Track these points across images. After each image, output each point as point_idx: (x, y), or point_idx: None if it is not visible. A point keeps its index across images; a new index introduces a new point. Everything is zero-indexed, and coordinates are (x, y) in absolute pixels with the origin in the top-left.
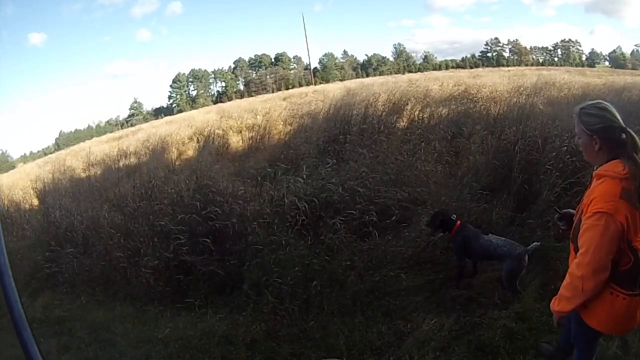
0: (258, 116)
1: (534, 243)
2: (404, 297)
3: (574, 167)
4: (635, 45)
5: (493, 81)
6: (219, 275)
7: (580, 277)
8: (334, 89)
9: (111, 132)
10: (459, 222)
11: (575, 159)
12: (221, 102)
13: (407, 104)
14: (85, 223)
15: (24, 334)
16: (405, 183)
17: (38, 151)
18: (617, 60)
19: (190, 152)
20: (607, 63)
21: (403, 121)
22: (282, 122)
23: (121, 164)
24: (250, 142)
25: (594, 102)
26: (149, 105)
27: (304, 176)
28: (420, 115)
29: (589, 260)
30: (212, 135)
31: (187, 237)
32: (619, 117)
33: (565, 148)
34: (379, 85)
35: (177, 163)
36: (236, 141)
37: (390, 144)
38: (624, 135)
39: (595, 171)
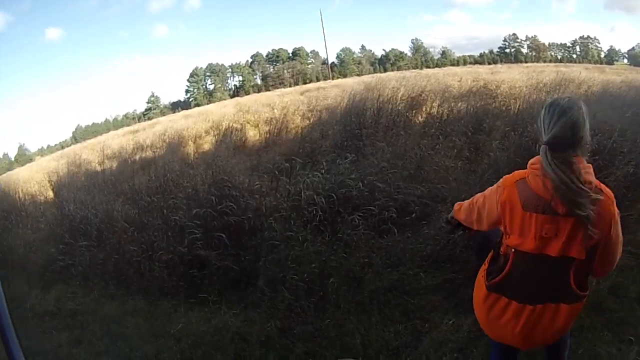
0: (275, 110)
1: None
2: (422, 296)
3: (596, 166)
4: None
5: (512, 77)
6: (234, 270)
7: (470, 202)
8: (352, 84)
9: (128, 125)
10: None
11: (599, 158)
12: (238, 96)
13: (426, 99)
14: (100, 216)
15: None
16: (424, 179)
17: (55, 144)
18: (636, 58)
19: (207, 146)
20: (625, 60)
21: (422, 116)
22: (299, 116)
23: (137, 157)
24: (268, 136)
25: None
26: (166, 99)
27: (322, 171)
28: (440, 110)
29: (476, 197)
30: (230, 129)
31: (202, 232)
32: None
33: (594, 147)
34: (396, 80)
35: (193, 157)
36: (253, 135)
37: (408, 139)
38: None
39: None
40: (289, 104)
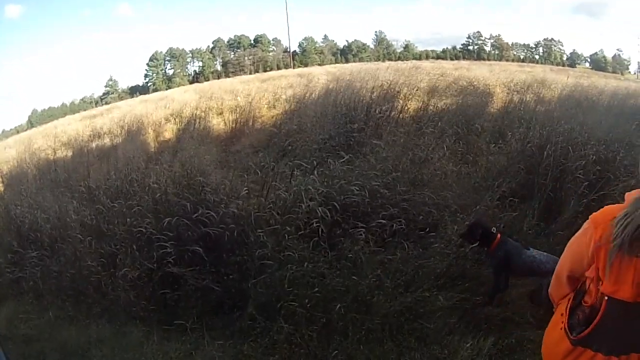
0: (239, 97)
1: None
2: (438, 319)
3: (601, 177)
4: (617, 50)
5: (483, 75)
6: (215, 291)
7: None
8: (317, 73)
9: (85, 110)
10: (499, 235)
11: (603, 169)
12: (197, 82)
13: (410, 94)
14: (52, 221)
15: None
16: (425, 184)
17: (11, 129)
18: (598, 63)
19: (168, 134)
20: (587, 64)
21: (407, 112)
22: (265, 105)
23: (94, 145)
24: (234, 125)
25: None
26: (124, 84)
27: (315, 172)
28: (423, 106)
29: (561, 258)
30: (193, 117)
31: (174, 244)
32: None
33: (593, 157)
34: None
35: (155, 147)
36: (217, 123)
37: (403, 137)
38: None
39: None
40: (252, 91)
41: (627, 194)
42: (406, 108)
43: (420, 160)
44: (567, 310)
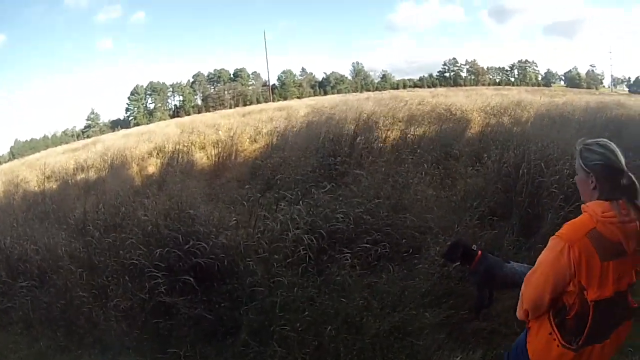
0: (220, 132)
1: None
2: (426, 336)
3: (576, 189)
4: (591, 66)
5: (460, 101)
6: (207, 319)
7: (524, 292)
8: (296, 106)
9: (67, 143)
10: (479, 252)
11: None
12: (178, 116)
13: (379, 124)
14: (41, 253)
15: None
16: (406, 208)
17: None
18: (572, 80)
19: (151, 169)
20: (562, 82)
21: (388, 141)
22: (247, 139)
23: (78, 177)
24: (217, 159)
25: (598, 139)
26: (105, 117)
27: (300, 202)
28: (402, 135)
29: (534, 280)
30: (177, 152)
31: (165, 275)
32: (621, 157)
33: (567, 171)
34: (342, 103)
35: (139, 180)
36: (200, 158)
37: (384, 166)
38: (623, 180)
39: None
40: (234, 126)
41: (583, 206)
42: (386, 138)
43: (401, 186)
44: (555, 327)
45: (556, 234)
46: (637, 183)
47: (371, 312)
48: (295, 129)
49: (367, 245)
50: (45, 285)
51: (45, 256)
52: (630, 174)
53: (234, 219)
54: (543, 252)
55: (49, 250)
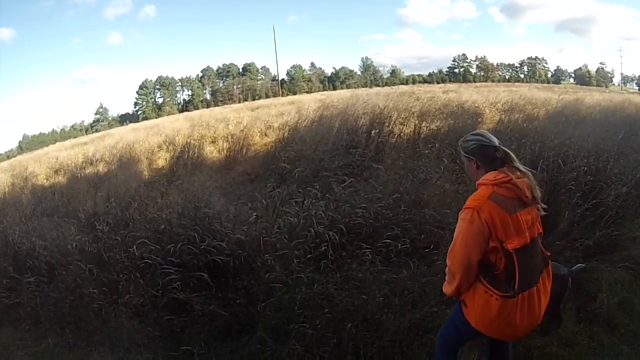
0: (230, 126)
1: (579, 264)
2: None
3: (593, 187)
4: (601, 63)
5: (472, 97)
6: (222, 316)
7: (451, 266)
8: (306, 101)
9: (75, 137)
10: None
11: (594, 179)
12: (187, 110)
13: (392, 119)
14: (50, 248)
15: None
16: (425, 203)
17: (1, 154)
18: (582, 77)
19: (161, 162)
20: (572, 80)
21: (403, 136)
22: (258, 133)
23: (87, 171)
24: (229, 153)
25: (471, 132)
26: (114, 111)
27: (318, 197)
28: (417, 130)
29: (456, 250)
30: (187, 145)
31: (178, 271)
32: (493, 138)
33: (584, 168)
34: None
35: (148, 174)
36: (210, 151)
37: (401, 159)
38: (498, 153)
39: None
40: (244, 119)
41: (477, 182)
42: (401, 132)
43: (420, 181)
44: (488, 284)
45: (464, 206)
46: (510, 152)
47: (391, 309)
48: (307, 123)
49: (388, 241)
50: (54, 281)
51: (54, 251)
52: (503, 147)
53: (254, 214)
54: (457, 225)
55: (57, 246)
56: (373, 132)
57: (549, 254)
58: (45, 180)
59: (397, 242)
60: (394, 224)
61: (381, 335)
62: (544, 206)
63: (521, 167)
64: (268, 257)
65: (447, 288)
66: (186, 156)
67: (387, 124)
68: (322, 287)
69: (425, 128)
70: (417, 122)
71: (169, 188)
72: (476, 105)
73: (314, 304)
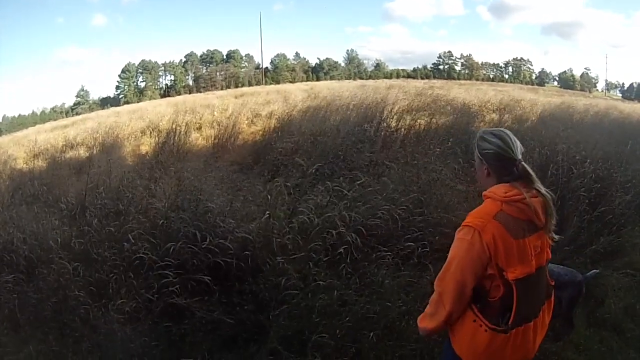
0: (216, 112)
1: (593, 270)
2: None
3: (599, 194)
4: (585, 69)
5: (462, 95)
6: (227, 324)
7: (442, 292)
8: (292, 90)
9: (55, 119)
10: None
11: (601, 186)
12: (169, 96)
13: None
14: (29, 241)
15: None
16: (437, 204)
17: None
18: (566, 81)
19: (145, 148)
20: (555, 83)
21: (401, 132)
22: (245, 121)
23: (68, 155)
24: (216, 141)
25: (494, 128)
26: (95, 95)
27: (330, 195)
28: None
29: (451, 274)
30: (172, 131)
31: (176, 272)
32: (515, 147)
33: (592, 175)
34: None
35: (131, 159)
36: (196, 138)
37: (411, 157)
38: (516, 169)
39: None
40: (230, 107)
41: (484, 193)
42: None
43: (432, 180)
44: (479, 313)
45: (463, 223)
46: (530, 171)
47: (412, 316)
48: (299, 113)
49: (409, 244)
50: (34, 280)
51: (33, 245)
52: (524, 164)
53: (267, 212)
54: (453, 244)
55: (38, 239)
56: (382, 125)
57: (552, 282)
58: (24, 165)
59: (416, 245)
60: (412, 226)
61: (402, 344)
62: (556, 237)
63: (542, 189)
64: (281, 259)
65: (429, 322)
66: (172, 142)
67: (390, 118)
68: (341, 293)
69: (434, 124)
70: (423, 117)
71: (159, 176)
72: (471, 104)
73: (332, 311)
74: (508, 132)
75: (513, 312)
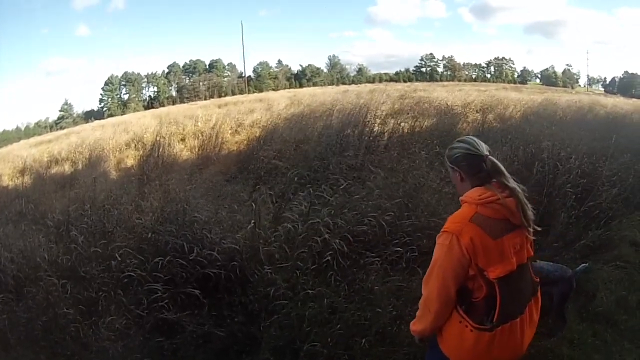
0: (199, 123)
1: (583, 265)
2: None
3: (585, 188)
4: (567, 65)
5: (444, 96)
6: (218, 336)
7: (427, 297)
8: (275, 98)
9: (40, 134)
10: None
11: (587, 182)
12: (152, 107)
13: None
14: (16, 260)
15: None
16: (424, 208)
17: None
18: (548, 78)
19: (130, 161)
20: (538, 80)
21: (385, 136)
22: (229, 131)
23: (53, 171)
24: (200, 151)
25: (459, 138)
26: (79, 108)
27: (315, 202)
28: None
29: (433, 280)
30: (157, 143)
31: (165, 287)
32: (480, 146)
33: (577, 170)
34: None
35: (115, 174)
36: (180, 150)
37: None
38: (485, 164)
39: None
40: (213, 117)
41: (461, 199)
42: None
43: (417, 184)
44: (464, 314)
45: (442, 229)
46: (499, 164)
47: (404, 320)
48: (283, 121)
49: (396, 249)
50: (23, 299)
51: (21, 264)
52: (491, 157)
53: (252, 221)
54: (435, 250)
55: (25, 257)
56: (365, 130)
57: (537, 279)
58: (9, 182)
59: (405, 249)
60: (400, 231)
61: (395, 349)
62: (536, 228)
63: (511, 183)
64: (268, 269)
65: (419, 325)
66: (156, 154)
67: (373, 122)
68: (330, 301)
69: (417, 127)
70: (406, 120)
71: (144, 189)
72: (455, 105)
73: (322, 319)
74: (473, 137)
75: (497, 310)
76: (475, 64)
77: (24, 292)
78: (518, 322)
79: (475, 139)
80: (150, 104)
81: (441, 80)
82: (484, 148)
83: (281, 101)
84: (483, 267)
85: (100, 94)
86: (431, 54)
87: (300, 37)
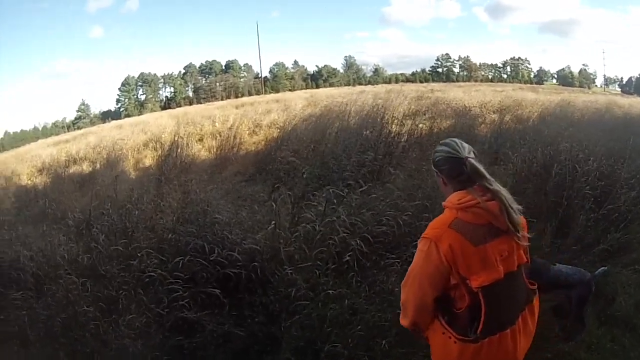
0: (217, 123)
1: (602, 268)
2: None
3: (603, 191)
4: (583, 65)
5: (461, 97)
6: (238, 336)
7: (403, 301)
8: (292, 98)
9: (57, 134)
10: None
11: (605, 184)
12: (169, 108)
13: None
14: (36, 258)
15: None
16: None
17: None
18: (565, 78)
19: (148, 161)
20: (554, 80)
21: (403, 137)
22: (247, 131)
23: (71, 170)
24: (218, 152)
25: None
26: (96, 108)
27: (334, 202)
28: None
29: (409, 286)
30: (175, 143)
31: (186, 287)
32: (461, 149)
33: (596, 173)
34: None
35: (134, 173)
36: (198, 150)
37: (413, 162)
38: (465, 167)
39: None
40: (231, 117)
41: (443, 204)
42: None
43: (438, 186)
44: (447, 325)
45: (422, 235)
46: (479, 166)
47: None
48: (301, 122)
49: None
50: (43, 297)
51: (41, 262)
52: (471, 159)
53: (272, 222)
54: (415, 255)
55: (45, 256)
56: (383, 131)
57: (533, 286)
58: (28, 181)
59: None
60: (418, 232)
61: (415, 351)
62: (525, 235)
63: (494, 185)
64: (289, 269)
65: (403, 321)
66: (175, 155)
67: (391, 123)
68: (352, 302)
69: (436, 127)
70: (424, 122)
71: (163, 190)
72: (472, 106)
73: (343, 320)
74: (456, 139)
75: (482, 321)
76: (491, 64)
77: (43, 290)
78: (509, 332)
79: (457, 141)
80: (167, 105)
81: (457, 81)
82: (465, 150)
83: (298, 102)
84: (465, 275)
85: (117, 95)
86: (447, 54)
87: (315, 37)
